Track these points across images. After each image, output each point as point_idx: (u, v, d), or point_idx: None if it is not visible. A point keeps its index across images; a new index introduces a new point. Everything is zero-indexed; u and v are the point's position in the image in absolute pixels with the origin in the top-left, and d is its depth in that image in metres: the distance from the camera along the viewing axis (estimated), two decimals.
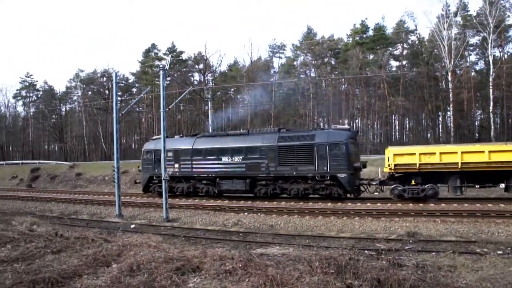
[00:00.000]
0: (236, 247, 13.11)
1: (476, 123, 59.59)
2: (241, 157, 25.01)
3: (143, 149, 30.22)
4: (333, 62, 66.66)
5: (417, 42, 58.26)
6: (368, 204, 20.74)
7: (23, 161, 67.82)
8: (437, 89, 55.01)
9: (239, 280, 7.34)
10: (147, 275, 7.93)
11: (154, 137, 32.11)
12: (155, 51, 73.74)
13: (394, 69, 63.05)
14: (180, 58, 69.34)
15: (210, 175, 26.25)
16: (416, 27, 57.39)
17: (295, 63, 69.66)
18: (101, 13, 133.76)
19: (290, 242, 14.90)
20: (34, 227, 14.19)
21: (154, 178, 28.22)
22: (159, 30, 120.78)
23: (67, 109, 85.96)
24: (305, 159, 23.06)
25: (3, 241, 11.51)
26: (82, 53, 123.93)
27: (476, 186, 20.99)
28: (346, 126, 26.69)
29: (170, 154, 27.05)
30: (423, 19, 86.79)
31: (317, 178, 22.85)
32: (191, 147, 27.12)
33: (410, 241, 14.39)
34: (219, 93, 67.50)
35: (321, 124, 67.54)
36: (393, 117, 64.56)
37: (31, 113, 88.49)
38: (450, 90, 48.57)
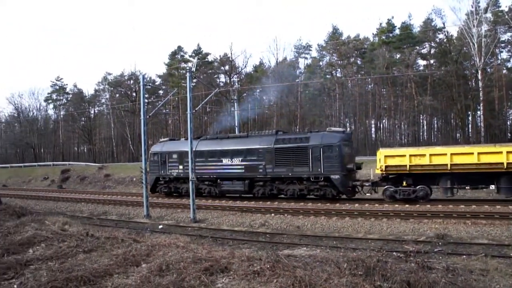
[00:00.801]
0: (263, 248, 13.14)
1: (508, 123, 57.99)
2: (240, 159, 25.91)
3: (150, 152, 31.10)
4: (359, 62, 66.00)
5: (445, 40, 57.03)
6: (396, 205, 20.48)
7: (54, 162, 69.54)
8: (466, 88, 53.78)
9: (267, 281, 7.35)
10: (176, 275, 8.00)
11: (161, 139, 33.62)
12: (181, 53, 74.50)
13: (421, 68, 61.94)
14: (206, 60, 69.82)
15: (211, 176, 27.20)
16: (444, 24, 56.02)
17: (320, 63, 69.28)
18: (128, 17, 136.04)
19: (317, 244, 14.84)
20: (66, 227, 14.48)
21: (160, 179, 29.70)
22: (185, 32, 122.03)
23: (96, 111, 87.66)
24: (300, 160, 23.72)
25: (38, 240, 11.81)
26: (109, 56, 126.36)
27: (467, 187, 21.31)
28: (340, 129, 27.21)
29: (175, 156, 28.82)
30: (452, 17, 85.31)
31: (311, 179, 23.46)
32: (194, 149, 27.13)
33: (440, 244, 14.15)
34: (245, 94, 67.67)
35: (347, 124, 67.02)
36: (421, 117, 63.45)
37: (62, 116, 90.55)
38: (480, 89, 47.32)
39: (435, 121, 66.40)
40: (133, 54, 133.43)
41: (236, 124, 33.36)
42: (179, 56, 74.00)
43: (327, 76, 67.30)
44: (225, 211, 22.79)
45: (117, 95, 78.35)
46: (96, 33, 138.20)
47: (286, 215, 20.65)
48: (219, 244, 14.63)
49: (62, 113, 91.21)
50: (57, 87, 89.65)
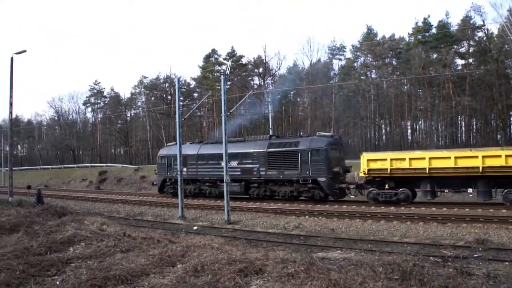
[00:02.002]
0: (297, 251, 13.04)
1: None
2: (237, 162, 27.32)
3: (158, 155, 33.84)
4: (394, 63, 64.78)
5: (485, 38, 55.32)
6: (433, 208, 20.01)
7: (92, 164, 71.44)
8: (508, 87, 51.89)
9: (302, 283, 7.34)
10: (211, 276, 8.09)
11: (169, 144, 35.91)
12: (215, 56, 75.14)
13: (459, 67, 60.16)
14: (240, 62, 70.17)
15: (212, 178, 28.94)
16: (484, 22, 54.30)
17: (355, 64, 68.44)
18: (163, 21, 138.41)
19: (352, 247, 14.69)
20: (104, 227, 14.83)
21: (167, 180, 31.86)
22: (219, 35, 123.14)
23: (132, 114, 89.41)
24: (290, 164, 25.05)
25: (78, 239, 12.17)
26: (145, 60, 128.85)
27: (445, 190, 21.68)
28: (329, 133, 28.31)
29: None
30: (492, 13, 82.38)
31: (300, 182, 24.77)
32: (196, 153, 30.08)
33: (479, 249, 13.68)
34: (278, 96, 67.62)
35: (383, 126, 65.99)
36: (459, 118, 61.74)
37: (99, 119, 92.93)
38: None
39: (474, 122, 64.43)
40: (168, 58, 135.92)
41: (270, 126, 33.47)
42: (213, 59, 74.65)
43: (362, 77, 66.44)
44: (259, 213, 22.85)
45: (153, 98, 79.71)
46: (132, 37, 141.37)
47: (320, 217, 20.53)
48: (253, 246, 14.68)
49: (99, 116, 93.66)
50: (95, 91, 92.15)
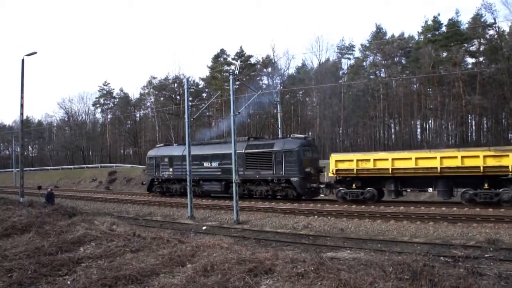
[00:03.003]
0: (306, 250, 13.08)
1: None
2: (218, 163, 28.92)
3: (147, 156, 35.98)
4: (403, 62, 64.36)
5: (496, 36, 54.80)
6: (443, 208, 19.89)
7: (102, 164, 71.82)
8: None
9: (311, 283, 7.32)
10: (220, 275, 8.09)
11: (158, 145, 38.16)
12: (224, 56, 75.20)
13: (470, 66, 59.58)
14: (249, 62, 70.19)
15: (195, 178, 29.34)
16: (495, 20, 53.70)
17: (364, 63, 68.15)
18: (172, 21, 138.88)
19: (361, 247, 14.66)
20: (114, 227, 14.89)
21: (155, 180, 33.76)
22: (228, 35, 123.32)
23: (141, 114, 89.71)
24: (266, 164, 26.39)
25: (88, 239, 12.25)
26: (154, 60, 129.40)
27: (408, 190, 22.64)
28: (302, 135, 29.24)
29: (166, 160, 32.68)
30: (504, 11, 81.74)
31: (275, 181, 26.07)
32: (181, 154, 30.79)
33: (491, 249, 13.57)
34: (287, 96, 67.51)
35: (392, 125, 65.63)
36: (469, 117, 61.24)
37: (109, 119, 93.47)
38: None
39: (485, 121, 63.84)
40: (177, 58, 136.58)
41: (279, 126, 33.51)
42: (222, 59, 74.72)
43: (371, 76, 66.16)
44: (268, 213, 22.86)
45: (162, 98, 79.91)
46: (141, 37, 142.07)
47: (329, 217, 20.50)
48: (262, 246, 14.70)
49: (109, 116, 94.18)
50: (105, 92, 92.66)
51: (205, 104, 48.07)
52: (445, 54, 58.34)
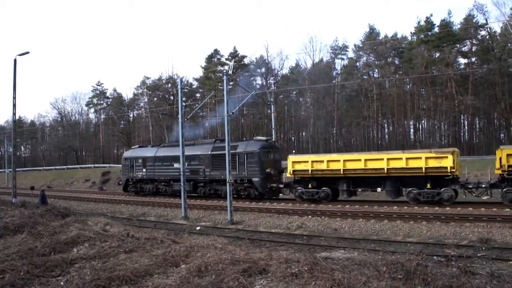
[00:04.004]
0: (300, 250, 13.08)
1: None
2: (187, 164, 28.44)
3: (122, 157, 37.32)
4: (397, 62, 64.73)
5: (488, 37, 55.23)
6: (436, 208, 20.00)
7: (95, 165, 71.49)
8: (511, 86, 51.74)
9: (306, 283, 7.33)
10: (214, 276, 8.08)
11: (133, 146, 39.62)
12: (218, 56, 75.16)
13: (462, 66, 60.06)
14: (243, 62, 70.19)
15: (166, 178, 31.82)
16: (486, 21, 54.11)
17: (357, 64, 68.40)
18: (165, 21, 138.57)
19: (355, 246, 14.70)
20: (108, 228, 14.84)
21: (130, 180, 35.15)
22: (221, 35, 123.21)
23: (135, 115, 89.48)
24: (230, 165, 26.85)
25: (81, 240, 12.19)
26: (148, 60, 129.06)
27: (359, 189, 23.84)
28: (264, 138, 30.22)
29: (140, 161, 34.10)
30: (495, 12, 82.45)
31: (238, 182, 27.07)
32: (154, 155, 32.96)
33: (483, 248, 13.67)
34: (281, 96, 67.56)
35: (385, 125, 65.87)
36: (462, 117, 61.64)
37: (102, 120, 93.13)
38: None
39: (477, 121, 64.34)
40: (171, 58, 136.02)
41: (272, 126, 33.55)
42: (215, 59, 74.69)
43: (364, 76, 66.40)
44: (262, 213, 22.86)
45: (155, 98, 79.69)
46: (135, 38, 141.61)
47: (323, 217, 20.53)
48: (257, 246, 14.69)
49: (102, 117, 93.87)
50: (98, 92, 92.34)
51: (198, 104, 48.04)
52: (437, 54, 58.77)
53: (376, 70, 66.75)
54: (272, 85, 66.50)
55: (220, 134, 61.64)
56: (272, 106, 35.49)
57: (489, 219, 17.10)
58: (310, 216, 20.89)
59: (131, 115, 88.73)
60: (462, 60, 61.25)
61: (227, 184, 22.30)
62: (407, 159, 21.26)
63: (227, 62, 70.92)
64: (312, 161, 24.09)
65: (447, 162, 20.21)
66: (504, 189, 19.57)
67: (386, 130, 68.23)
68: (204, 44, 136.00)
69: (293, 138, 74.89)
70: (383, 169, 21.69)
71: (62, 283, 8.50)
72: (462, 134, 61.84)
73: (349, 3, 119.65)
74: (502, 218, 17.11)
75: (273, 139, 30.77)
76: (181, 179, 24.33)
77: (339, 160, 23.24)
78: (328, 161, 23.61)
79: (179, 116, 25.06)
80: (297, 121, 70.25)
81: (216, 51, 75.14)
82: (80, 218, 17.09)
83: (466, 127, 63.35)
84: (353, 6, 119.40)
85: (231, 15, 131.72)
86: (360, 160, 22.64)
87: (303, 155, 29.70)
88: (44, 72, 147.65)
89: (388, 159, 21.72)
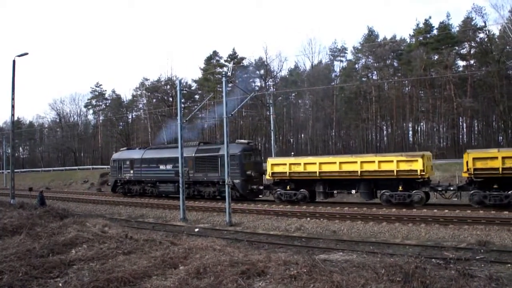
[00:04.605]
0: (299, 252, 13.05)
1: None
2: (172, 166, 30.50)
3: (111, 159, 38.46)
4: (395, 64, 64.87)
5: (486, 39, 55.32)
6: (435, 210, 20.03)
7: (94, 166, 71.33)
8: (509, 88, 51.82)
9: (304, 285, 7.34)
10: (213, 278, 8.10)
11: (122, 149, 40.78)
12: (217, 58, 75.19)
13: (461, 69, 60.20)
14: (242, 64, 70.22)
15: (152, 179, 32.74)
16: (485, 23, 54.14)
17: (356, 66, 68.47)
18: (163, 22, 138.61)
19: (354, 249, 14.67)
20: (106, 229, 14.85)
21: (118, 181, 36.02)
22: (220, 36, 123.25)
23: (133, 116, 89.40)
24: (212, 167, 28.16)
25: (80, 241, 12.20)
26: (146, 62, 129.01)
27: (335, 191, 24.35)
28: (245, 141, 31.33)
29: (127, 162, 34.90)
30: (494, 15, 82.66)
31: (220, 183, 27.55)
32: (141, 157, 33.88)
33: (482, 251, 13.65)
34: (280, 98, 67.57)
35: (384, 128, 65.88)
36: (460, 120, 61.72)
37: (101, 121, 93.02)
38: None
39: (476, 124, 64.44)
40: (170, 60, 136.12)
41: (271, 128, 33.58)
42: (214, 61, 74.73)
43: (363, 79, 66.47)
44: (261, 215, 22.85)
45: (154, 100, 79.62)
46: (133, 39, 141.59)
47: (322, 219, 20.51)
48: (255, 248, 14.65)
49: (101, 118, 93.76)
50: (97, 93, 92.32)
51: (197, 106, 48.08)
52: (436, 57, 58.90)
53: (375, 72, 66.80)
54: (271, 87, 66.57)
55: (219, 136, 61.67)
56: (271, 108, 35.56)
57: (488, 222, 17.09)
58: (308, 218, 20.86)
59: (130, 117, 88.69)
60: (461, 63, 61.46)
61: (226, 186, 22.25)
62: (379, 162, 22.00)
63: (226, 63, 70.97)
64: (290, 164, 24.77)
65: (417, 165, 20.89)
66: (472, 192, 20.40)
67: (385, 132, 68.31)
68: (203, 46, 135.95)
69: (292, 140, 74.87)
70: (357, 171, 22.35)
71: (60, 285, 8.51)
72: (460, 136, 61.91)
73: (348, 5, 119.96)
74: (501, 221, 17.12)
75: (254, 142, 32.11)
76: (180, 180, 24.27)
77: (315, 163, 23.96)
78: (305, 163, 24.28)
79: (178, 117, 25.03)
80: (296, 123, 70.28)
81: (215, 53, 75.22)
82: (79, 219, 17.09)
83: (464, 130, 63.46)
84: (352, 8, 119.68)
85: (230, 17, 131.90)
86: (335, 163, 23.36)
87: (281, 158, 30.51)
88: (42, 73, 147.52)
89: (362, 162, 22.42)
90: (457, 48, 58.72)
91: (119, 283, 8.20)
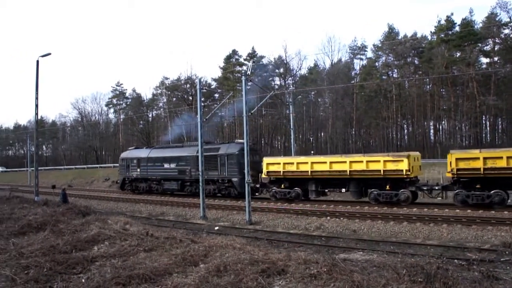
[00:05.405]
0: (318, 251, 13.02)
1: None
2: (175, 164, 32.48)
3: (120, 158, 40.29)
4: (416, 62, 63.87)
5: (511, 35, 54.13)
6: (457, 210, 19.70)
7: (115, 164, 72.07)
8: None
9: (324, 284, 7.31)
10: (233, 276, 8.11)
11: (129, 148, 42.52)
12: (236, 57, 75.33)
13: (484, 66, 58.91)
14: (261, 63, 70.20)
15: (157, 177, 34.36)
16: (510, 19, 52.99)
17: (376, 64, 67.72)
18: (184, 21, 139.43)
19: (374, 248, 14.55)
20: (127, 227, 15.00)
21: (126, 179, 37.72)
22: (240, 35, 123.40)
23: (154, 115, 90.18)
24: (213, 166, 29.41)
25: (102, 238, 12.38)
26: (166, 61, 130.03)
27: (326, 190, 25.37)
28: (243, 141, 30.80)
29: (135, 161, 36.49)
30: None
31: (220, 181, 29.35)
32: (147, 156, 35.45)
33: (506, 252, 13.30)
34: (299, 96, 67.32)
35: (405, 126, 65.10)
36: (484, 118, 60.54)
37: (121, 120, 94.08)
38: None
39: (500, 122, 63.12)
40: (189, 59, 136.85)
41: (291, 127, 33.50)
42: (234, 60, 74.88)
43: (383, 77, 65.73)
44: (280, 214, 22.83)
45: (174, 99, 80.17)
46: (154, 38, 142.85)
47: (342, 218, 20.40)
48: (275, 247, 14.67)
49: (122, 117, 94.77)
50: (117, 92, 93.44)
51: (217, 105, 48.25)
52: (458, 54, 57.74)
53: (396, 70, 65.97)
54: (291, 86, 66.33)
55: (239, 135, 61.76)
56: (290, 106, 35.42)
57: None
58: (328, 217, 20.78)
59: (150, 115, 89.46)
60: (484, 60, 60.14)
61: (246, 185, 22.27)
62: (367, 162, 22.65)
63: (246, 62, 71.04)
64: (284, 163, 25.59)
65: (403, 165, 21.51)
66: (456, 191, 20.83)
67: (406, 131, 67.42)
68: (222, 45, 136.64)
69: (311, 139, 74.52)
70: (346, 171, 23.03)
71: (83, 280, 8.64)
72: (483, 135, 60.72)
73: (368, 2, 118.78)
74: None
75: (252, 142, 31.75)
76: (200, 179, 24.43)
77: (307, 162, 24.66)
78: (297, 163, 25.05)
79: (198, 116, 25.18)
80: (315, 121, 69.90)
81: (234, 52, 75.41)
82: (100, 216, 17.34)
83: (488, 128, 62.26)
84: (372, 6, 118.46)
85: (249, 15, 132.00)
86: (326, 162, 24.07)
87: (276, 157, 31.69)
88: (65, 73, 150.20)
89: (351, 162, 23.09)
90: (480, 45, 57.49)
91: (140, 280, 8.29)
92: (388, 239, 16.71)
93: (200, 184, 24.29)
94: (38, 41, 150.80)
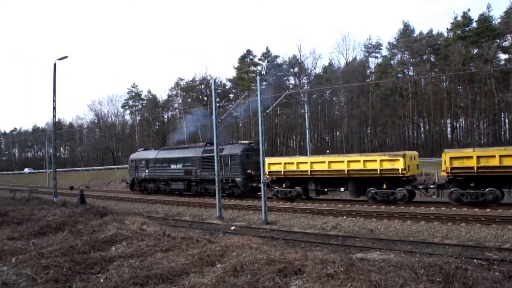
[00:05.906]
0: (335, 251, 12.96)
1: None
2: (181, 165, 33.46)
3: (129, 159, 41.78)
4: (432, 59, 63.12)
5: None
6: (476, 209, 19.42)
7: None
8: None
9: (341, 284, 7.27)
10: (250, 276, 8.11)
11: (139, 149, 43.53)
12: (251, 56, 75.36)
13: (502, 62, 57.92)
14: (276, 62, 70.12)
15: (165, 178, 35.40)
16: None
17: (392, 62, 67.11)
18: (197, 22, 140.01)
19: (391, 248, 14.42)
20: (144, 227, 15.13)
21: (135, 180, 38.92)
22: (254, 35, 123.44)
23: (169, 116, 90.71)
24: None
25: (119, 239, 12.50)
26: (181, 62, 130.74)
27: (326, 189, 25.75)
28: (247, 142, 33.34)
29: (143, 162, 37.60)
30: None
31: (223, 181, 29.30)
32: (155, 157, 36.55)
33: None
34: (314, 96, 67.07)
35: (421, 124, 64.40)
36: (502, 115, 59.56)
37: (137, 121, 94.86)
38: None
39: None
40: (204, 59, 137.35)
41: (306, 126, 33.39)
42: (248, 60, 74.93)
43: (399, 75, 65.12)
44: (296, 213, 22.79)
45: (189, 99, 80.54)
46: (168, 40, 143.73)
47: (358, 218, 20.29)
48: (291, 246, 14.64)
49: (137, 118, 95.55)
50: (133, 94, 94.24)
51: (232, 105, 48.35)
52: (475, 50, 56.95)
53: (411, 68, 65.33)
54: (305, 85, 66.14)
55: (254, 134, 61.80)
56: (305, 105, 35.30)
57: None
58: (345, 217, 20.68)
59: (166, 116, 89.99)
60: (503, 56, 58.99)
61: (262, 184, 22.31)
62: (364, 161, 23.13)
63: (260, 62, 71.03)
64: (285, 163, 26.17)
65: (399, 164, 21.88)
66: (451, 189, 21.08)
67: (422, 129, 66.71)
68: (237, 45, 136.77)
69: (327, 138, 74.18)
70: (344, 170, 23.54)
71: (101, 280, 8.72)
72: (502, 133, 59.77)
73: (382, 0, 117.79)
74: None
75: (255, 142, 32.51)
76: (216, 179, 24.50)
77: (307, 162, 25.19)
78: (297, 163, 25.59)
79: (213, 116, 25.23)
80: (330, 120, 69.57)
81: (248, 52, 75.46)
82: (118, 217, 17.50)
83: (507, 126, 61.20)
84: (386, 3, 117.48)
85: (264, 15, 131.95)
86: (324, 162, 24.57)
87: (277, 157, 32.59)
88: (81, 76, 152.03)
89: (349, 161, 23.62)
90: (498, 41, 56.54)
91: (158, 280, 8.35)
92: (405, 238, 16.54)
93: (216, 184, 24.37)
94: (55, 44, 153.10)
